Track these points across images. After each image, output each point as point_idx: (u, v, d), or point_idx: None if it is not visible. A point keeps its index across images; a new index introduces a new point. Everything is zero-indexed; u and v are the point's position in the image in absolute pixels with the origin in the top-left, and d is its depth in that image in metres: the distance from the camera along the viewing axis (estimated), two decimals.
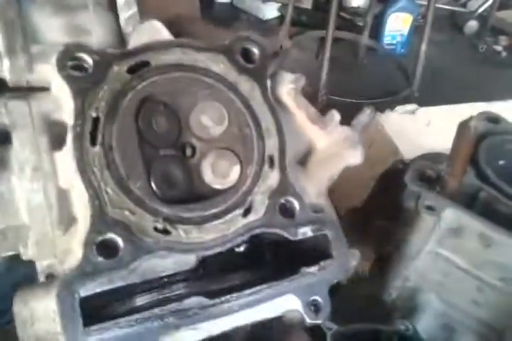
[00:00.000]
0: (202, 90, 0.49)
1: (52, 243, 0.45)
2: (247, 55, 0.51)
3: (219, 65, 0.50)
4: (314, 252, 0.51)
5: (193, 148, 0.50)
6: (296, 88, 0.55)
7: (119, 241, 0.42)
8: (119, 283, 0.42)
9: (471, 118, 0.67)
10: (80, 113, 0.44)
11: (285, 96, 0.54)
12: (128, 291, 0.45)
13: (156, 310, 0.43)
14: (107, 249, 0.42)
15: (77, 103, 0.45)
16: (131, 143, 0.46)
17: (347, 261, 0.52)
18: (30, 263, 0.46)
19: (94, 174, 0.43)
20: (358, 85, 2.70)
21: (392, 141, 1.75)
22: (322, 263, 0.50)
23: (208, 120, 0.49)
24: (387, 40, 3.00)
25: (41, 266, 0.45)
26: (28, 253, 0.47)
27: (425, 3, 2.54)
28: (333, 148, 0.54)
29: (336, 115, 0.55)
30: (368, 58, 2.97)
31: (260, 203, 0.48)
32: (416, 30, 2.91)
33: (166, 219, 0.45)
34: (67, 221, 0.45)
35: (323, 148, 0.54)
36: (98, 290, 0.42)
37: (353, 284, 0.91)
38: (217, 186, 0.48)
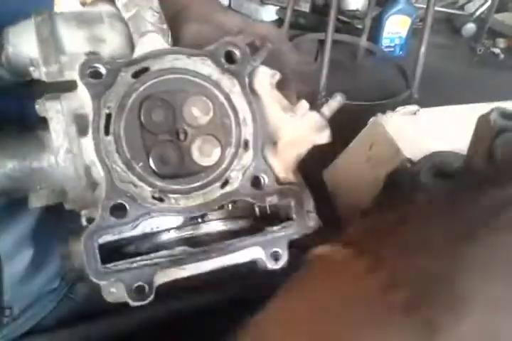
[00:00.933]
0: (192, 88, 0.61)
1: (85, 199, 0.61)
2: (229, 56, 0.62)
3: (205, 67, 0.61)
4: (279, 215, 0.66)
5: (185, 133, 0.62)
6: (272, 83, 0.64)
7: (126, 205, 0.58)
8: (126, 234, 0.61)
9: (491, 111, 0.65)
10: (96, 111, 0.58)
11: (261, 90, 0.64)
12: (133, 242, 0.63)
13: (152, 255, 0.61)
14: (117, 211, 0.58)
15: (94, 104, 0.58)
16: (135, 132, 0.59)
17: (305, 222, 0.65)
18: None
19: (107, 156, 0.58)
20: (356, 87, 2.69)
21: (394, 142, 1.73)
22: (283, 223, 0.64)
23: (197, 111, 0.61)
24: (385, 42, 3.01)
25: (82, 212, 0.61)
26: (68, 206, 0.63)
27: (423, 5, 2.55)
28: (301, 131, 0.64)
29: (304, 104, 0.64)
30: (367, 61, 2.97)
31: (235, 178, 0.62)
32: (414, 32, 2.91)
33: (161, 190, 0.59)
34: (92, 186, 0.60)
35: (293, 132, 0.64)
36: (111, 239, 0.61)
37: None
38: (203, 163, 0.62)
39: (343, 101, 0.65)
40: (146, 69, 0.60)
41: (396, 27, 2.98)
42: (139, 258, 0.60)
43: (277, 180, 0.64)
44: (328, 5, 2.40)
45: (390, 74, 2.80)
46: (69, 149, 0.59)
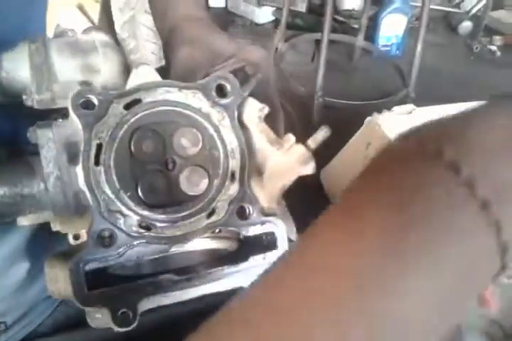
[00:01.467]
0: (182, 120, 0.62)
1: (73, 222, 0.63)
2: (220, 90, 0.63)
3: (196, 100, 0.62)
4: (263, 244, 0.67)
5: (174, 163, 0.63)
6: (260, 116, 0.65)
7: (113, 234, 0.59)
8: (111, 263, 0.61)
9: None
10: (87, 141, 0.58)
11: (249, 123, 0.65)
12: (120, 269, 0.63)
13: (138, 282, 0.62)
14: (104, 240, 0.59)
15: (85, 134, 0.58)
16: (124, 162, 0.60)
17: (287, 250, 0.65)
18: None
19: (97, 186, 0.59)
20: (353, 87, 2.71)
21: (390, 142, 1.75)
22: (267, 253, 0.66)
23: (186, 142, 0.62)
24: (382, 41, 3.01)
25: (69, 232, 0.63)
26: (56, 227, 0.64)
27: (419, 4, 2.55)
28: (287, 164, 0.64)
29: (291, 138, 0.64)
30: (364, 60, 2.97)
31: (221, 208, 0.63)
32: (411, 31, 2.92)
33: (148, 219, 0.60)
34: (81, 211, 0.61)
35: (279, 164, 0.65)
36: (97, 266, 0.61)
37: None
38: (191, 193, 0.63)
39: (328, 134, 0.65)
40: (138, 101, 0.60)
41: (392, 26, 2.98)
42: (124, 285, 0.61)
43: (262, 210, 0.65)
44: (325, 5, 2.40)
45: (386, 73, 2.80)
46: (59, 176, 0.60)
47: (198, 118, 0.62)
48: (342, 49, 2.98)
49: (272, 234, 0.66)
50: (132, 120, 0.60)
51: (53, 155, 0.60)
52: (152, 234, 0.60)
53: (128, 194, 0.60)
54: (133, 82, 0.62)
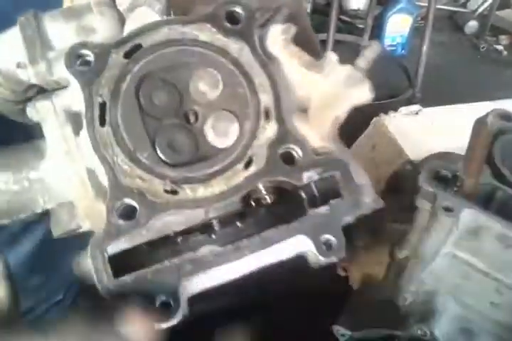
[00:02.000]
0: (194, 59, 0.53)
1: (98, 212, 0.54)
2: (232, 17, 0.54)
3: (206, 34, 0.53)
4: (324, 193, 0.53)
5: (195, 114, 0.54)
6: (286, 38, 0.56)
7: (135, 204, 0.50)
8: (139, 240, 0.51)
9: (487, 114, 0.65)
10: (88, 101, 0.52)
11: (276, 49, 0.55)
12: (151, 245, 0.52)
13: (175, 260, 0.50)
14: (126, 212, 0.50)
15: (85, 93, 0.52)
16: (135, 119, 0.52)
17: (357, 198, 0.53)
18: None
19: (107, 150, 0.51)
20: None
21: (397, 142, 1.73)
22: (331, 202, 0.52)
23: (204, 85, 0.53)
24: (387, 41, 3.00)
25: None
26: (85, 226, 0.57)
27: (425, 4, 2.54)
28: (335, 89, 0.54)
29: (332, 56, 0.55)
30: None
31: (260, 155, 0.52)
32: (416, 31, 2.90)
33: (173, 181, 0.51)
34: (102, 194, 0.54)
35: (324, 91, 0.55)
36: (123, 247, 0.50)
37: (367, 289, 0.89)
38: (221, 145, 0.53)
39: (380, 48, 0.57)
40: (138, 47, 0.54)
41: (398, 26, 2.97)
42: (157, 265, 0.50)
43: (314, 152, 0.54)
44: (330, 4, 2.40)
45: (392, 73, 2.79)
46: (67, 151, 0.55)
47: (212, 54, 0.53)
48: (347, 49, 2.96)
49: (333, 178, 0.54)
50: (135, 69, 0.53)
51: (56, 128, 0.55)
52: (180, 198, 0.51)
53: (145, 155, 0.51)
54: (130, 26, 0.56)
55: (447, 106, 1.86)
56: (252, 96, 0.53)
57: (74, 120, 0.55)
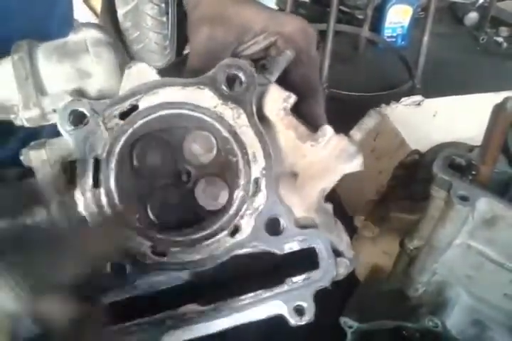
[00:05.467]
0: (190, 123, 0.53)
1: None
2: (232, 81, 0.53)
3: (204, 98, 0.52)
4: (303, 263, 0.56)
5: (188, 174, 0.54)
6: (286, 108, 0.54)
7: (126, 265, 0.52)
8: (126, 295, 0.54)
9: (505, 100, 0.63)
10: (82, 161, 0.52)
11: (273, 117, 0.55)
12: (135, 302, 0.55)
13: (158, 316, 0.54)
14: (116, 271, 0.52)
15: (79, 152, 0.52)
16: (128, 180, 0.52)
17: (333, 270, 0.56)
18: None
19: (99, 211, 0.52)
20: (359, 78, 2.67)
21: (399, 133, 1.72)
22: (308, 273, 0.55)
23: (198, 148, 0.53)
24: (387, 32, 2.98)
25: None
26: None
27: None
28: (326, 162, 0.54)
29: (328, 130, 0.53)
30: (369, 51, 2.94)
31: (247, 224, 0.53)
32: (416, 22, 2.88)
33: (162, 244, 0.53)
34: None
35: (315, 163, 0.54)
36: (109, 301, 0.53)
37: (375, 280, 0.88)
38: (210, 208, 0.54)
39: (378, 120, 0.55)
40: (134, 108, 0.52)
41: (398, 17, 2.95)
42: (141, 319, 0.54)
43: (298, 222, 0.55)
44: None
45: (392, 64, 2.77)
46: (61, 202, 0.54)
47: (208, 120, 0.53)
48: (347, 40, 2.94)
49: (313, 249, 0.56)
50: (130, 130, 0.52)
51: (49, 178, 0.54)
52: (167, 260, 0.53)
53: (136, 216, 0.52)
54: (127, 84, 0.54)
55: (449, 97, 1.84)
56: (245, 166, 0.53)
57: (68, 170, 0.54)
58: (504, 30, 3.01)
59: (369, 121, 0.55)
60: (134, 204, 0.52)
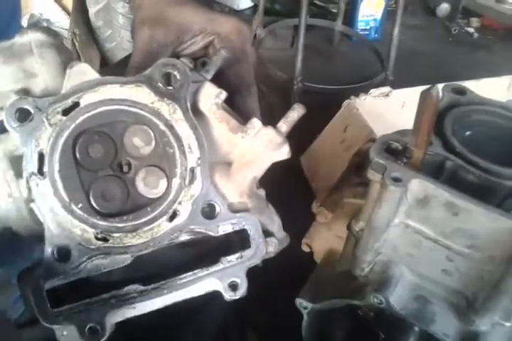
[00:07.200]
0: (129, 118, 0.57)
1: (38, 233, 0.59)
2: (168, 79, 0.58)
3: (141, 95, 0.57)
4: (237, 243, 0.62)
5: (129, 165, 0.59)
6: (217, 103, 0.60)
7: (70, 249, 0.56)
8: (72, 279, 0.58)
9: (432, 86, 0.67)
10: (28, 154, 0.56)
11: (207, 112, 0.60)
12: (83, 283, 0.60)
13: (103, 295, 0.59)
14: (61, 256, 0.56)
15: (24, 147, 0.56)
16: (71, 172, 0.56)
17: (263, 249, 0.62)
18: None
19: (45, 201, 0.56)
20: (333, 71, 2.71)
21: (367, 124, 1.76)
22: (240, 253, 0.61)
23: (138, 141, 0.58)
24: (361, 25, 3.02)
25: None
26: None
27: None
28: (255, 151, 0.60)
29: (256, 122, 0.60)
30: (343, 44, 2.98)
31: (184, 209, 0.58)
32: (389, 14, 2.92)
33: (104, 230, 0.57)
34: (40, 223, 0.58)
35: (246, 153, 0.60)
36: (58, 283, 0.58)
37: (328, 263, 0.92)
38: (150, 196, 0.58)
39: (302, 113, 0.60)
40: (76, 105, 0.56)
41: (371, 9, 2.99)
42: (89, 299, 0.58)
43: (232, 207, 0.60)
44: None
45: (366, 57, 2.81)
46: (9, 194, 0.58)
47: (146, 115, 0.57)
48: (321, 34, 2.98)
49: (245, 230, 0.61)
50: (73, 126, 0.56)
51: (0, 171, 0.58)
52: (110, 245, 0.57)
53: (79, 205, 0.56)
54: (69, 83, 0.58)
55: (417, 88, 1.88)
56: (181, 157, 0.58)
57: (16, 164, 0.57)
58: (475, 21, 3.06)
59: (293, 114, 0.60)
60: (78, 194, 0.56)
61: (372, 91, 1.91)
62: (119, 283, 0.59)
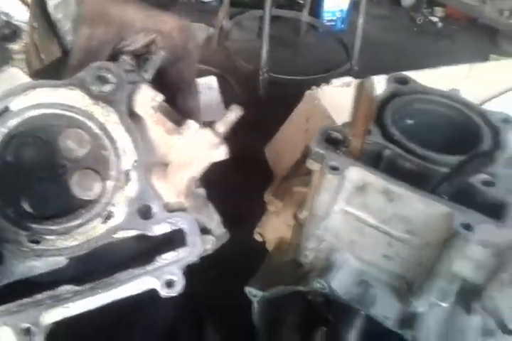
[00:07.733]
0: (63, 121, 0.57)
1: None
2: (102, 82, 0.57)
3: (74, 98, 0.56)
4: (173, 242, 0.63)
5: (64, 167, 0.59)
6: (154, 106, 0.60)
7: (2, 252, 0.56)
8: (5, 281, 0.57)
9: (367, 79, 0.68)
10: None
11: (143, 114, 0.60)
12: (19, 284, 0.60)
13: (38, 296, 0.58)
14: None
15: None
16: (3, 176, 0.56)
17: (200, 246, 0.63)
18: None
19: None
20: (299, 62, 2.72)
21: (329, 114, 1.77)
22: (176, 251, 0.62)
23: (72, 144, 0.58)
24: (327, 16, 3.03)
25: None
26: None
27: None
28: (193, 152, 0.60)
29: (191, 124, 0.60)
30: (309, 35, 2.99)
31: (120, 211, 0.58)
32: (356, 5, 2.93)
33: (37, 233, 0.56)
34: None
35: (182, 154, 0.61)
36: None
37: (277, 251, 0.93)
38: (85, 198, 0.59)
39: (240, 113, 0.61)
40: (6, 109, 0.56)
41: (337, 1, 2.99)
42: (23, 300, 0.58)
43: (168, 206, 0.61)
44: None
45: (332, 48, 2.82)
46: None
47: (80, 118, 0.57)
48: (288, 25, 2.97)
49: (181, 230, 0.62)
50: (4, 130, 0.56)
51: None
52: (43, 248, 0.57)
53: (11, 209, 0.56)
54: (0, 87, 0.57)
55: (377, 76, 1.89)
56: (115, 159, 0.58)
57: None
58: (439, 11, 3.10)
59: (231, 115, 0.61)
60: (10, 197, 0.56)
61: (334, 81, 1.92)
62: (53, 284, 0.59)
